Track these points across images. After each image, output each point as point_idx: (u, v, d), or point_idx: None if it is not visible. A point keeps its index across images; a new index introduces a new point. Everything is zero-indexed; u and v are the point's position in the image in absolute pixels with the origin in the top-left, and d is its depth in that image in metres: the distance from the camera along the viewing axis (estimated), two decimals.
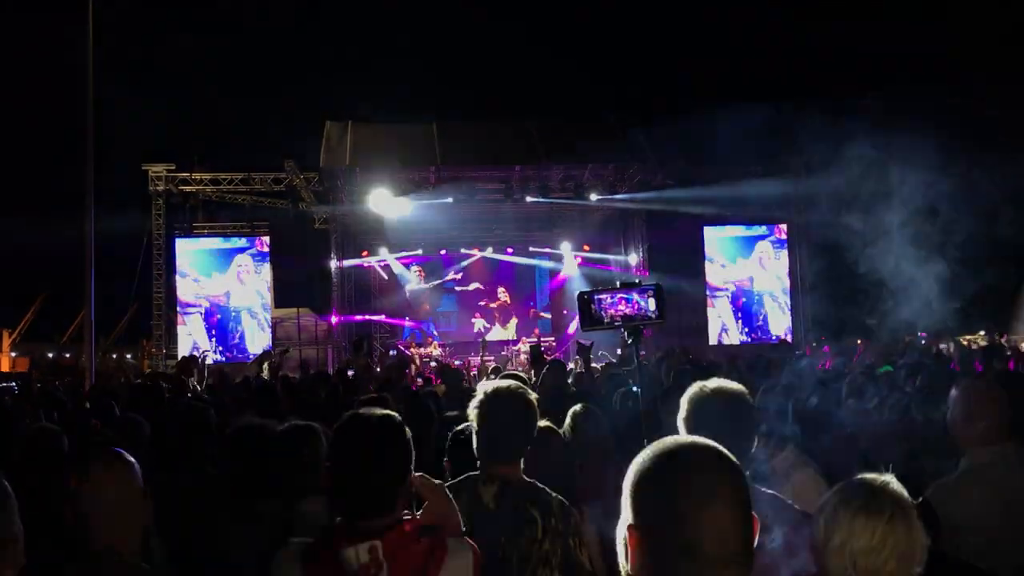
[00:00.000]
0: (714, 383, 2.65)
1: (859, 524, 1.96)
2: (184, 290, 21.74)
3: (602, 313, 2.68)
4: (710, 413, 2.54)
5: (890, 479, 2.05)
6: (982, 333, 22.86)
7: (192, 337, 21.47)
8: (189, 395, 8.07)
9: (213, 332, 21.68)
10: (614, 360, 12.54)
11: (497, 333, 26.62)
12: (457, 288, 27.17)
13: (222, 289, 21.82)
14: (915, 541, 1.94)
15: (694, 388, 2.67)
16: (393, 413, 2.43)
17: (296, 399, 6.93)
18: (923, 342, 18.20)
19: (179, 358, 15.62)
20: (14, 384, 13.97)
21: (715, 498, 1.47)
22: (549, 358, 8.88)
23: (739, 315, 23.19)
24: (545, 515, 2.83)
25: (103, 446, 3.68)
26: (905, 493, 2.01)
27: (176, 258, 21.89)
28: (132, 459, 2.62)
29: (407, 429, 2.37)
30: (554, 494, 2.96)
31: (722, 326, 23.16)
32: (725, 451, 1.55)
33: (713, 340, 22.73)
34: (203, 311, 21.71)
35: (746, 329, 23.19)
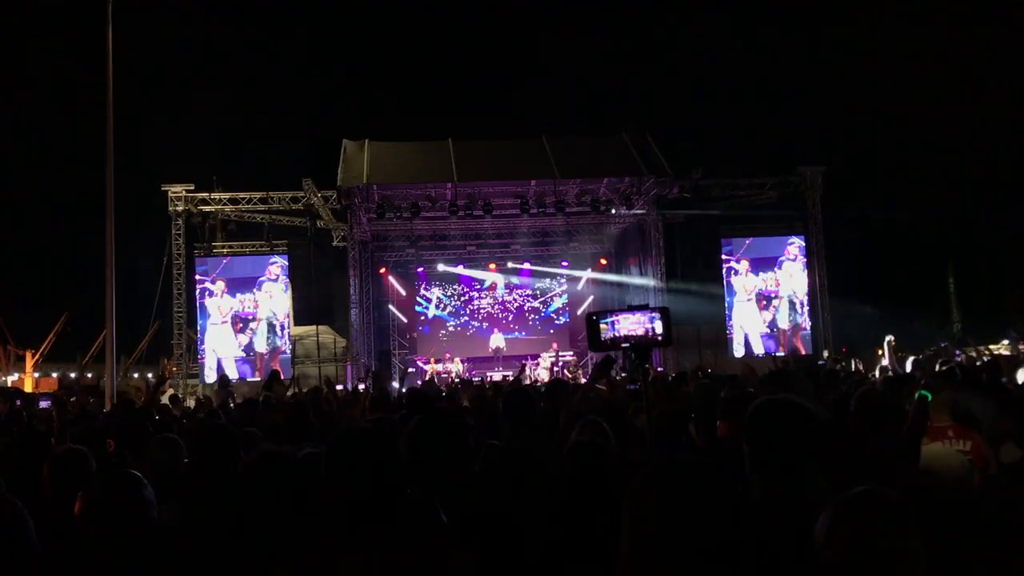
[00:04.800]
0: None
1: (863, 531, 1.97)
2: (209, 307, 21.90)
3: (610, 334, 2.73)
4: None
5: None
6: (1005, 343, 22.65)
7: (216, 353, 21.64)
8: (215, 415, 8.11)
9: (238, 345, 21.84)
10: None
11: (516, 348, 26.54)
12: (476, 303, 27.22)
13: (243, 307, 21.96)
14: (917, 546, 1.96)
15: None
16: (384, 427, 2.44)
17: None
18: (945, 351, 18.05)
19: (217, 378, 15.71)
20: (47, 403, 14.10)
21: (680, 510, 1.51)
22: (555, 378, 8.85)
23: (762, 323, 23.06)
24: None
25: (115, 468, 3.74)
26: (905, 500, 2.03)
27: (197, 277, 22.06)
28: (140, 480, 2.62)
29: (398, 439, 2.38)
30: None
31: (745, 339, 23.03)
32: (713, 467, 1.58)
33: (739, 352, 22.58)
34: (229, 323, 21.85)
35: (769, 336, 23.05)
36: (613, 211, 22.15)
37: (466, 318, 27.07)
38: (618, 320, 2.75)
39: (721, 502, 1.54)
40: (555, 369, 23.13)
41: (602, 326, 2.71)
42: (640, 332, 2.75)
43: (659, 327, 2.75)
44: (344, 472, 2.30)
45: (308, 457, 3.51)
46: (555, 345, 26.01)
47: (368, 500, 2.27)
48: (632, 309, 2.84)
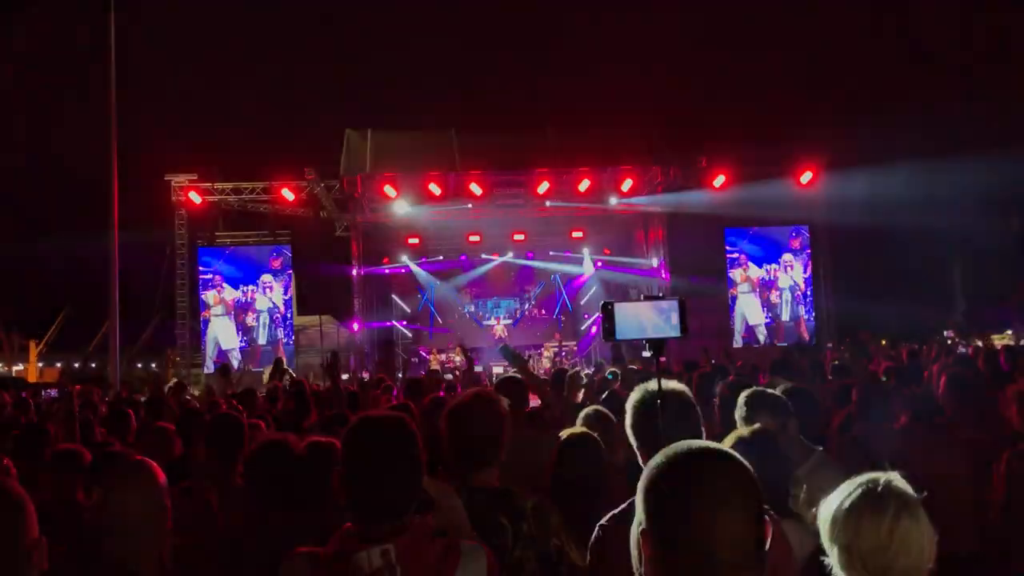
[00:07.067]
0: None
1: (864, 523, 1.94)
2: (210, 298, 21.88)
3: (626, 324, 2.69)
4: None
5: (894, 476, 2.02)
6: (1009, 333, 22.62)
7: (219, 344, 21.63)
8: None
9: (240, 335, 21.82)
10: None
11: (520, 338, 26.52)
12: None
13: (246, 297, 21.94)
14: (923, 536, 1.92)
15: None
16: (403, 415, 2.39)
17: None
18: (948, 342, 18.02)
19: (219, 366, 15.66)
20: (53, 392, 14.05)
21: (728, 503, 1.48)
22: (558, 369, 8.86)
23: (764, 314, 23.02)
24: (517, 521, 2.75)
25: (124, 456, 3.70)
26: (910, 489, 1.99)
27: (200, 268, 22.01)
28: (155, 469, 2.59)
29: (417, 431, 2.33)
30: (530, 499, 2.87)
31: (746, 328, 22.97)
32: (736, 455, 1.56)
33: (738, 343, 22.51)
34: (231, 314, 21.83)
35: (770, 326, 23.00)
36: (615, 200, 22.07)
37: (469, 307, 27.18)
38: (634, 310, 2.71)
39: (740, 488, 1.52)
40: (557, 360, 23.14)
41: (616, 316, 2.66)
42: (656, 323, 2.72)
43: (675, 318, 2.72)
44: (365, 460, 2.25)
45: (312, 447, 3.45)
46: (557, 336, 26.03)
47: (384, 493, 2.22)
48: (648, 299, 2.80)
